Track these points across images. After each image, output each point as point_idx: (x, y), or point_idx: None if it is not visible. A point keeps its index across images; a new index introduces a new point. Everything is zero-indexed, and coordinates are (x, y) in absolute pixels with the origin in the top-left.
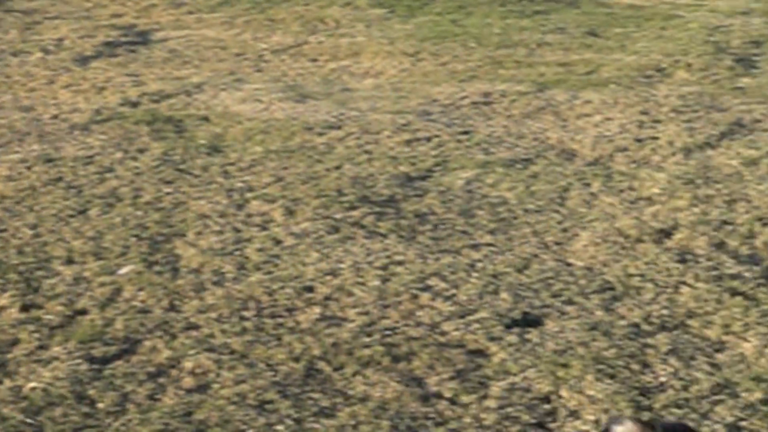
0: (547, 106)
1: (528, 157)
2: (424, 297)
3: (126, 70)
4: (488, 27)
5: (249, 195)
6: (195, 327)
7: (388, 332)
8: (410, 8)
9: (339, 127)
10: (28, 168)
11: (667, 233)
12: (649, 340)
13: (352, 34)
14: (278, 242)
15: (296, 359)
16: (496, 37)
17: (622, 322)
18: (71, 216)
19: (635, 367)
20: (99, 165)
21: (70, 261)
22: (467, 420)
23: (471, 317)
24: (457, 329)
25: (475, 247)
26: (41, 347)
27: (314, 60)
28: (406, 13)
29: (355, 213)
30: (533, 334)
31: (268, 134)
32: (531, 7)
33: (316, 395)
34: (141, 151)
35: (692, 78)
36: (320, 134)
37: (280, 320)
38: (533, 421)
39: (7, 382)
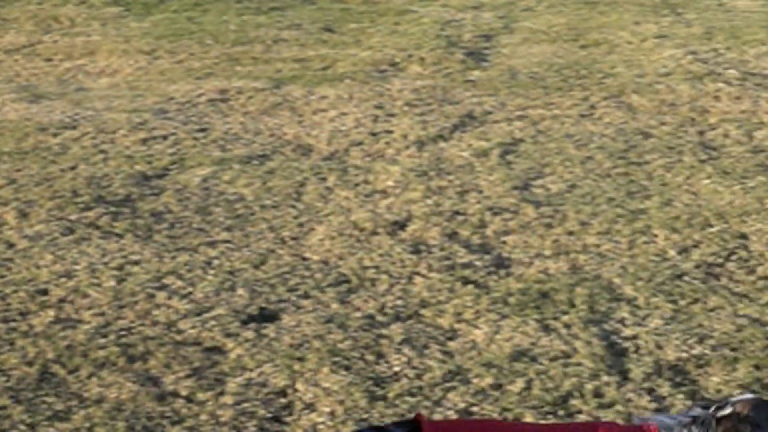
0: (284, 102)
1: (264, 153)
2: (161, 296)
3: None
4: (224, 24)
5: None
6: None
7: (123, 332)
8: (146, 6)
9: (74, 127)
10: None
11: (401, 225)
12: (384, 331)
13: (88, 32)
14: (11, 245)
15: (30, 363)
16: (233, 34)
17: (357, 314)
18: None
19: (370, 357)
20: None
21: None
22: (204, 417)
23: (207, 314)
24: (193, 327)
25: (211, 244)
26: None
27: (49, 60)
28: (142, 11)
29: (90, 213)
30: (270, 329)
31: (0, 136)
32: (267, 4)
33: (50, 399)
34: None
35: (425, 72)
36: (55, 135)
37: (14, 324)
38: (269, 415)
39: None
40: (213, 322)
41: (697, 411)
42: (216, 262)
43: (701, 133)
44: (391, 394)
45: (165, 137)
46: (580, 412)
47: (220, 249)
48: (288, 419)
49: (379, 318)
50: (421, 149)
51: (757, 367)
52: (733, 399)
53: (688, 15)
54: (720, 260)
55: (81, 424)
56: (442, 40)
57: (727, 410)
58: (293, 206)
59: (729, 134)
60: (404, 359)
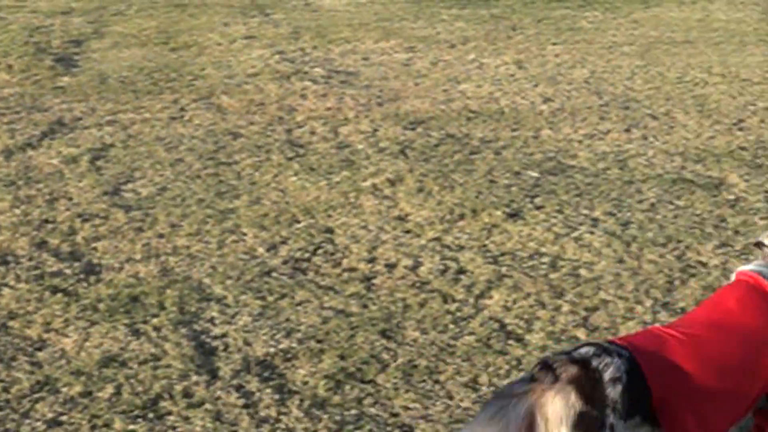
0: None
1: None
2: None
3: None
4: None
5: None
6: None
7: None
8: None
9: None
10: None
11: None
12: None
13: None
14: None
15: None
16: None
17: None
18: None
19: None
20: None
21: None
22: None
23: None
24: None
25: None
26: None
27: None
28: None
29: None
30: None
31: None
32: None
33: None
34: None
35: (13, 79)
36: None
37: None
38: None
39: None
40: None
41: None
42: None
43: (289, 131)
44: None
45: None
46: (170, 413)
47: None
48: None
49: None
50: (8, 158)
51: (341, 357)
52: None
53: (276, 15)
54: (307, 255)
55: None
56: (30, 47)
57: None
58: None
59: (315, 131)
60: None
